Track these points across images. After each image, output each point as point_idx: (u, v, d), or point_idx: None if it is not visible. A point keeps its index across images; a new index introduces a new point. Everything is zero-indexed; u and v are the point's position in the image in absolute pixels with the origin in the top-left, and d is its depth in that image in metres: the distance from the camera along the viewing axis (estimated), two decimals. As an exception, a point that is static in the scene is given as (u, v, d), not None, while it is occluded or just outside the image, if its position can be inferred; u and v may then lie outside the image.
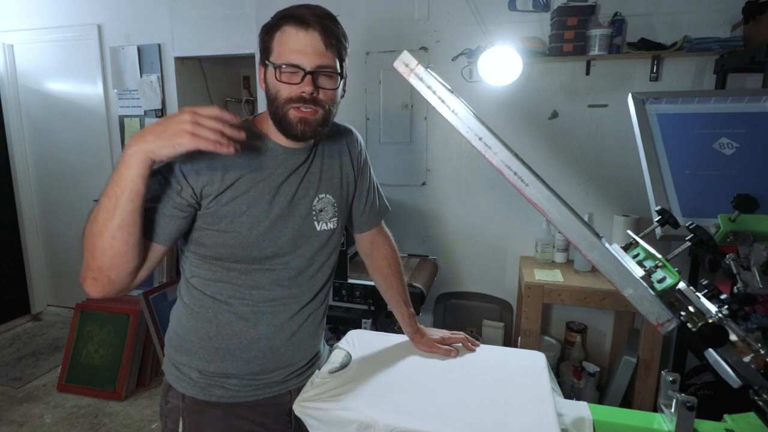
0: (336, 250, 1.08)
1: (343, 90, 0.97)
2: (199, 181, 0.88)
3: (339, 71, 0.90)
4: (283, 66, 0.86)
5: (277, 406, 1.02)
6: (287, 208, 0.96)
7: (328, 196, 1.02)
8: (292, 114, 0.89)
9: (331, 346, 1.17)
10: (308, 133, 0.91)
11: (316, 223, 1.00)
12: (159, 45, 2.90)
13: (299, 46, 0.85)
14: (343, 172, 1.07)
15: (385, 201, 1.22)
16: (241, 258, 0.93)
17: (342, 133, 1.09)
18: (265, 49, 0.90)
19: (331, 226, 1.03)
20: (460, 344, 1.16)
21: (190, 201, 0.88)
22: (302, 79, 0.86)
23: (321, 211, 1.01)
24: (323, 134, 0.96)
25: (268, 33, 0.90)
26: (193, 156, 0.84)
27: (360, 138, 1.14)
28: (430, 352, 1.13)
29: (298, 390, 1.02)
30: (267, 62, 0.90)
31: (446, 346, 1.13)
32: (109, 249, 0.77)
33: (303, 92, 0.87)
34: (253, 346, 0.97)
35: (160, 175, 0.86)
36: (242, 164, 0.91)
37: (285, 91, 0.88)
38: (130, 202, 0.76)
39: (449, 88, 0.80)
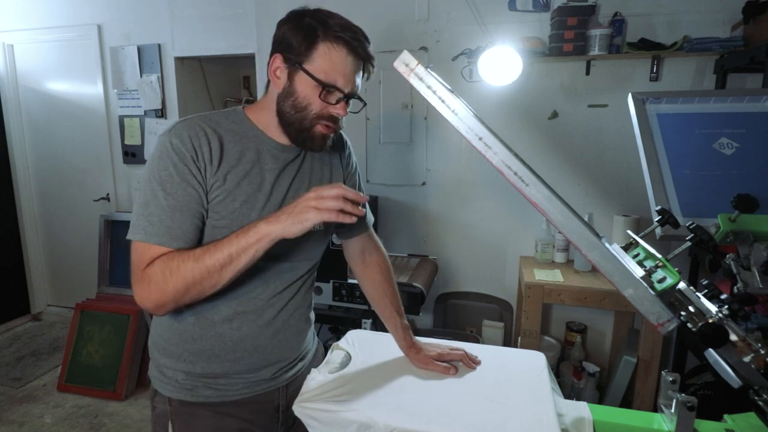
0: (322, 251, 1.08)
1: None
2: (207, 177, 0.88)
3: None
4: (331, 87, 0.88)
5: (266, 403, 1.02)
6: (280, 206, 0.93)
7: None
8: (319, 129, 0.92)
9: (331, 346, 1.17)
10: (324, 148, 0.95)
11: None
12: (159, 45, 2.90)
13: (347, 72, 0.89)
14: (333, 173, 1.07)
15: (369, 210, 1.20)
16: None
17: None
18: (299, 51, 0.87)
19: (319, 226, 1.00)
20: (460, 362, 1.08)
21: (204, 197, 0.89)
22: (337, 101, 0.90)
23: None
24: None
25: (307, 37, 0.87)
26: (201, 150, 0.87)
27: (350, 143, 1.14)
28: (426, 369, 1.05)
29: (287, 386, 1.03)
30: (300, 66, 0.87)
31: (444, 363, 1.06)
32: (205, 288, 0.84)
33: (337, 114, 0.91)
34: (238, 347, 0.96)
35: (188, 186, 0.86)
36: (232, 158, 0.90)
37: (319, 107, 0.90)
38: (245, 265, 0.83)
39: (449, 88, 0.79)
